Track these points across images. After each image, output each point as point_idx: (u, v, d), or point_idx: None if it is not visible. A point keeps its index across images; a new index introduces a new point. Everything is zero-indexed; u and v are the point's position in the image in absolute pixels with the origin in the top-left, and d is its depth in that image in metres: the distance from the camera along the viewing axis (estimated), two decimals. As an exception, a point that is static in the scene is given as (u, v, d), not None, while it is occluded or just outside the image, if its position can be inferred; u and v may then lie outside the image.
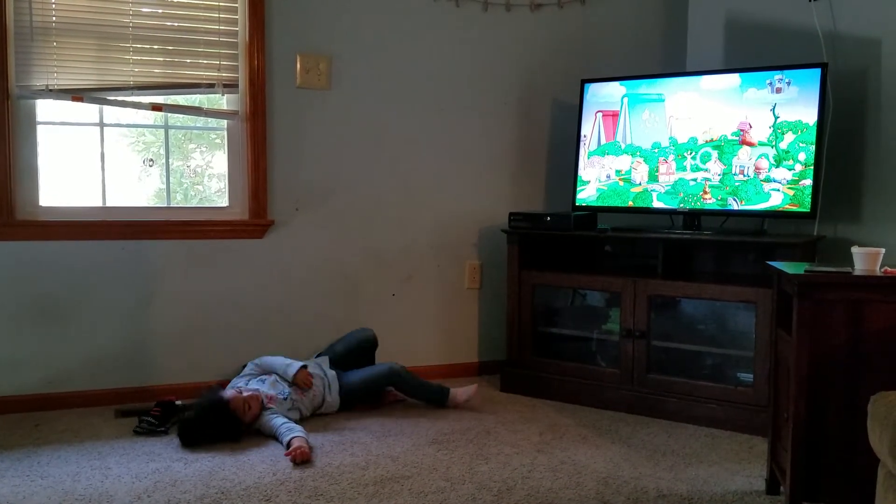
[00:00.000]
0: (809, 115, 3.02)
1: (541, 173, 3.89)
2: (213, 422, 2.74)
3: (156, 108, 3.27)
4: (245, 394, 2.84)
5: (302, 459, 2.57)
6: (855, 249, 2.14)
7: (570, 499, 2.31)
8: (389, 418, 3.08)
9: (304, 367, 3.06)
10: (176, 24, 3.27)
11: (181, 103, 3.36)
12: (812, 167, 3.01)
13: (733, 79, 3.20)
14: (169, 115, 3.38)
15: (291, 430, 2.72)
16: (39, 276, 3.13)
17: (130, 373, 3.25)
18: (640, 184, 3.40)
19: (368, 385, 3.20)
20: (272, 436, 2.79)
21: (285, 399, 2.94)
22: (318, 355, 3.33)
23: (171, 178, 3.43)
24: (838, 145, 3.20)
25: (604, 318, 3.44)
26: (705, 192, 3.23)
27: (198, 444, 2.72)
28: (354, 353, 3.34)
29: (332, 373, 3.17)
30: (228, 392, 2.85)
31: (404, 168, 3.65)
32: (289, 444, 2.65)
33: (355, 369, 3.26)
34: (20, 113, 3.10)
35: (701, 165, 3.24)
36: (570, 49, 3.85)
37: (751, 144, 3.15)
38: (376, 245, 3.62)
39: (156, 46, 3.25)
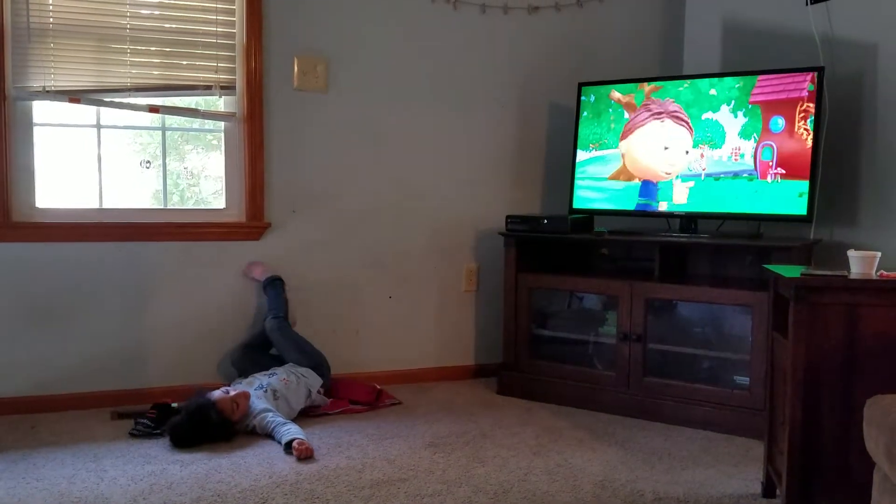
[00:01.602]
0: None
1: (538, 176, 3.89)
2: (203, 423, 2.75)
3: (153, 109, 3.27)
4: (232, 393, 2.86)
5: (306, 456, 2.60)
6: (851, 253, 2.14)
7: (566, 502, 2.30)
8: (385, 421, 3.08)
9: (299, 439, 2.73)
10: (173, 26, 3.27)
11: (178, 105, 3.36)
12: (808, 171, 3.01)
13: (730, 82, 3.20)
14: (166, 116, 3.37)
15: (289, 432, 2.72)
16: (36, 277, 3.12)
17: (126, 375, 3.25)
18: (636, 187, 3.41)
19: (295, 342, 3.26)
20: (268, 434, 2.80)
21: (265, 392, 2.95)
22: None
23: (167, 179, 3.42)
24: (834, 149, 3.20)
25: (601, 321, 3.44)
26: (703, 195, 3.24)
27: (189, 446, 2.72)
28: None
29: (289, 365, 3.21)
30: (216, 393, 2.86)
31: (401, 170, 3.65)
32: (288, 445, 2.66)
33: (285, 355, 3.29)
34: (17, 114, 3.10)
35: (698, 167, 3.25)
36: (567, 52, 3.86)
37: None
38: (373, 247, 3.62)
39: (153, 48, 3.25)
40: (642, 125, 3.39)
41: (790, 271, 2.19)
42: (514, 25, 3.77)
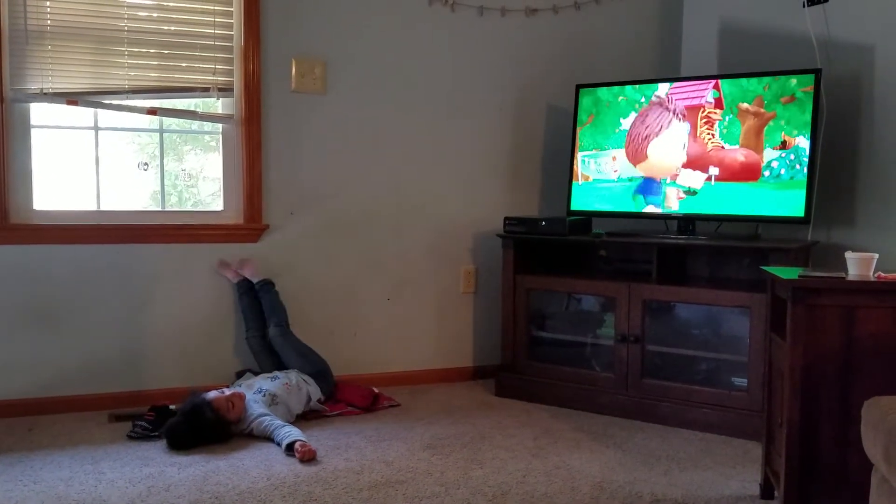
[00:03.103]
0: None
1: (536, 178, 3.89)
2: (199, 423, 2.75)
3: (151, 112, 3.27)
4: (227, 393, 2.86)
5: (309, 458, 2.60)
6: (849, 255, 2.14)
7: (564, 503, 2.31)
8: (384, 423, 3.08)
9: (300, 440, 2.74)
10: (171, 28, 3.27)
11: (176, 107, 3.36)
12: (806, 172, 3.02)
13: (728, 84, 3.21)
14: (164, 118, 3.37)
15: (290, 434, 2.72)
16: (33, 279, 3.12)
17: (124, 377, 3.24)
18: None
19: (298, 350, 3.26)
20: (266, 437, 2.80)
21: (263, 396, 2.95)
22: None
23: (165, 181, 3.42)
24: (832, 151, 3.21)
25: (598, 322, 3.44)
26: (700, 197, 3.24)
27: (186, 447, 2.72)
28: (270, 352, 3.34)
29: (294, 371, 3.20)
30: (211, 393, 2.86)
31: (399, 172, 3.65)
32: (289, 447, 2.66)
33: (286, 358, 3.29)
34: (14, 116, 3.09)
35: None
36: (565, 54, 3.86)
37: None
38: (371, 249, 3.62)
39: (151, 50, 3.25)
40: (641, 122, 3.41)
41: (788, 273, 2.19)
42: (512, 28, 3.78)
